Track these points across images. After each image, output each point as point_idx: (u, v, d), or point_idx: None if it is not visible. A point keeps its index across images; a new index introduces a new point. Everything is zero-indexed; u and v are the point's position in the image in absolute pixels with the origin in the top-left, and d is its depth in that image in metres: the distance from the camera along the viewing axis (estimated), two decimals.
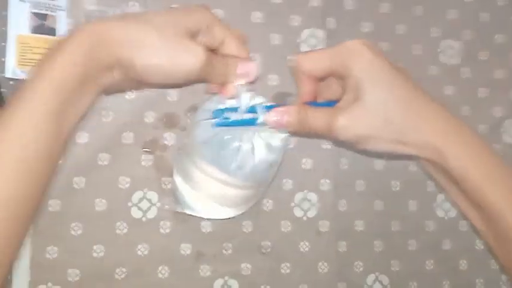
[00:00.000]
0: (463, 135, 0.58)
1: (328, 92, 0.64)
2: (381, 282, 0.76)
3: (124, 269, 0.68)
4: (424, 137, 0.56)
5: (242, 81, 0.62)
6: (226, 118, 0.62)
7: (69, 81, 0.51)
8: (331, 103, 0.61)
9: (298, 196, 0.74)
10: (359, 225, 0.76)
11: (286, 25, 0.74)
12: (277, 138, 0.63)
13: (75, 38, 0.52)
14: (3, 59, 0.64)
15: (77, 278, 0.67)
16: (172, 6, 0.68)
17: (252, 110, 0.62)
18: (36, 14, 0.65)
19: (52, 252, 0.67)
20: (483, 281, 0.79)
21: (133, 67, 0.55)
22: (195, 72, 0.57)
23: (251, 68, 0.62)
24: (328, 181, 0.75)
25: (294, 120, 0.59)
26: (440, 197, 0.78)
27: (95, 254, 0.68)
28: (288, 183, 0.74)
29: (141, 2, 0.69)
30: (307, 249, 0.74)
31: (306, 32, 0.75)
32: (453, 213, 0.79)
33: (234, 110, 0.62)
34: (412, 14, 0.78)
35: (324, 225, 0.74)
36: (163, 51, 0.55)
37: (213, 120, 0.62)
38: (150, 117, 0.70)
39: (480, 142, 0.58)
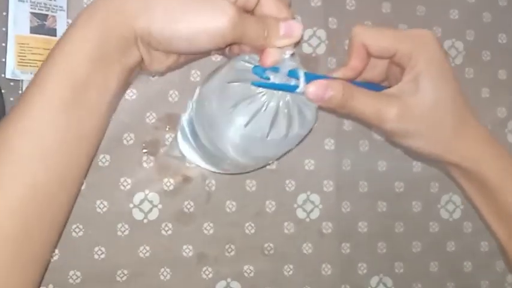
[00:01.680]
0: (500, 149, 0.58)
1: (371, 73, 0.61)
2: (384, 284, 0.76)
3: (125, 271, 0.68)
4: (469, 146, 0.56)
5: (286, 43, 0.54)
6: (267, 78, 0.55)
7: (82, 61, 0.48)
8: (373, 86, 0.58)
9: (301, 197, 0.74)
10: (362, 227, 0.75)
11: None
12: (311, 109, 0.58)
13: (85, 11, 0.49)
14: (3, 60, 0.64)
15: (78, 280, 0.66)
16: None
17: (292, 74, 0.55)
18: (36, 15, 0.65)
19: (53, 254, 0.66)
20: (488, 282, 0.79)
21: (152, 36, 0.49)
22: (225, 34, 0.49)
23: (295, 28, 0.54)
24: (331, 182, 0.74)
25: (337, 97, 0.53)
26: (445, 198, 0.78)
27: (96, 256, 0.67)
28: (290, 185, 0.73)
29: None
30: (310, 251, 0.74)
31: (307, 32, 0.74)
32: (457, 214, 0.78)
33: (275, 69, 0.55)
34: (414, 14, 0.78)
35: (327, 227, 0.74)
36: (183, 12, 0.48)
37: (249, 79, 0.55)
38: (151, 118, 0.69)
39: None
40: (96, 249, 0.67)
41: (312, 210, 0.74)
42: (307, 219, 0.74)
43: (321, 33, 0.74)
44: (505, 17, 0.82)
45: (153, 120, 0.69)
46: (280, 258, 0.73)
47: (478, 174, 0.57)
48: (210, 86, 0.59)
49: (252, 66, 0.55)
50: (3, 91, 0.64)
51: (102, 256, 0.68)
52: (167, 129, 0.69)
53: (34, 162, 0.48)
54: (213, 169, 0.67)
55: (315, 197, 0.74)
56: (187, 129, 0.64)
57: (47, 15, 0.65)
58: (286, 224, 0.73)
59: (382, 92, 0.56)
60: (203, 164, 0.66)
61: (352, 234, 0.75)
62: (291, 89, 0.55)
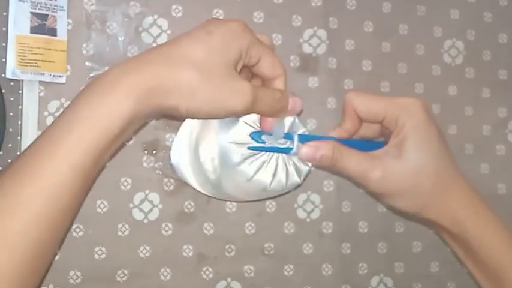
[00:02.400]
0: (483, 210, 0.61)
1: (366, 130, 0.66)
2: (385, 284, 0.76)
3: (126, 271, 0.68)
4: (447, 207, 0.60)
5: (289, 116, 0.63)
6: (263, 141, 0.62)
7: (108, 137, 0.51)
8: (366, 143, 0.63)
9: (301, 197, 0.74)
10: (363, 227, 0.75)
11: (288, 25, 0.74)
12: (305, 164, 0.65)
13: (117, 92, 0.51)
14: (3, 60, 0.64)
15: (78, 280, 0.66)
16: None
17: (288, 136, 0.62)
18: (36, 14, 0.65)
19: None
20: None
21: (179, 112, 0.54)
22: (241, 113, 0.57)
23: (299, 104, 0.62)
24: (331, 182, 0.74)
25: (328, 157, 0.60)
26: None
27: (96, 256, 0.67)
28: None
29: (141, 1, 0.69)
30: (310, 251, 0.74)
31: (308, 32, 0.74)
32: None
33: (270, 134, 0.62)
34: (415, 14, 0.78)
35: (328, 227, 0.74)
36: (207, 97, 0.53)
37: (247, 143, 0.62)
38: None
39: (499, 220, 0.61)
40: (97, 249, 0.67)
41: (312, 210, 0.74)
42: (308, 219, 0.74)
43: (322, 33, 0.74)
44: (506, 16, 0.82)
45: (153, 121, 0.69)
46: (281, 258, 0.73)
47: (459, 232, 0.60)
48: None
49: (250, 132, 0.61)
50: (3, 91, 0.64)
51: (103, 256, 0.68)
52: (167, 129, 0.69)
53: (44, 221, 0.50)
54: (207, 193, 0.67)
55: (315, 197, 0.74)
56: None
57: (47, 15, 0.65)
58: (286, 224, 0.73)
59: (369, 153, 0.61)
60: (197, 187, 0.66)
61: (353, 234, 0.75)
62: (286, 150, 0.62)
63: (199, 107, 0.54)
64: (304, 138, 0.62)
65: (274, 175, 0.63)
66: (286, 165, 0.63)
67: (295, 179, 0.64)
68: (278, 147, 0.62)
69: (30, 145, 0.52)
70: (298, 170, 0.64)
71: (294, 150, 0.62)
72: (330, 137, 0.64)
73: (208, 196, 0.67)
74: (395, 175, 0.59)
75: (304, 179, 0.66)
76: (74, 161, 0.50)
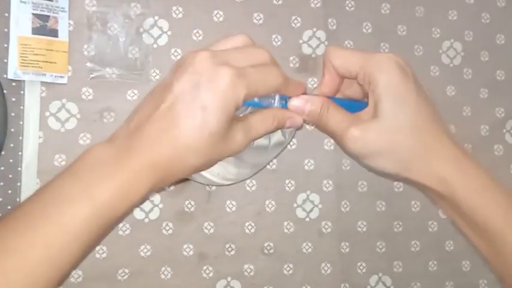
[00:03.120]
0: (471, 168, 0.58)
1: (350, 90, 0.64)
2: (384, 283, 0.76)
3: (127, 270, 0.68)
4: (431, 166, 0.57)
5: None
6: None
7: (117, 213, 0.51)
8: (352, 103, 0.61)
9: (301, 197, 0.74)
10: (362, 226, 0.76)
11: (288, 26, 0.75)
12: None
13: (123, 174, 0.51)
14: (5, 60, 0.64)
15: (80, 279, 0.67)
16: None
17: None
18: (37, 16, 0.65)
19: None
20: (486, 281, 0.79)
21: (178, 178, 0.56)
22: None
23: (298, 120, 0.61)
24: (330, 182, 0.75)
25: (316, 111, 0.59)
26: None
27: (97, 255, 0.68)
28: (290, 184, 0.74)
29: (142, 3, 0.69)
30: (310, 250, 0.74)
31: (307, 33, 0.75)
32: None
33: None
34: (413, 15, 0.79)
35: (327, 226, 0.74)
36: (207, 163, 0.55)
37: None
38: None
39: (488, 175, 0.59)
40: (98, 248, 0.68)
41: (311, 210, 0.74)
42: (307, 219, 0.74)
43: (321, 34, 0.75)
44: (504, 17, 0.82)
45: None
46: (280, 257, 0.73)
47: (446, 192, 0.57)
48: None
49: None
50: (5, 91, 0.64)
51: (104, 255, 0.68)
52: None
53: (50, 272, 0.49)
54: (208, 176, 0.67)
55: (315, 197, 0.74)
56: None
57: (48, 16, 0.66)
58: (286, 223, 0.74)
59: (354, 114, 0.59)
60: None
61: (352, 233, 0.76)
62: (267, 106, 0.59)
63: (199, 170, 0.57)
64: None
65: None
66: None
67: (278, 136, 0.64)
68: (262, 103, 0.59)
69: (33, 198, 0.52)
70: (283, 131, 0.64)
71: (276, 104, 0.59)
72: None
73: (202, 183, 0.67)
74: (372, 135, 0.56)
75: (291, 138, 0.66)
76: (82, 236, 0.50)
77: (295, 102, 0.59)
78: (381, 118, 0.56)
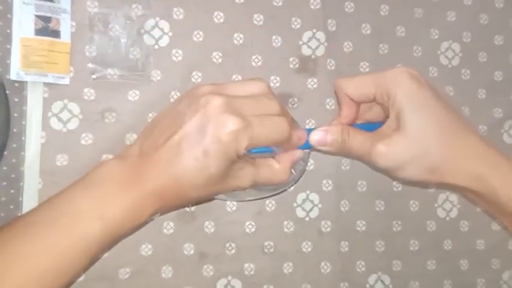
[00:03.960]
0: (504, 162, 0.58)
1: (369, 114, 0.66)
2: (382, 282, 0.76)
3: (128, 269, 0.69)
4: (463, 166, 0.58)
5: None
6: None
7: (123, 231, 0.54)
8: (373, 125, 0.62)
9: (301, 197, 0.75)
10: (361, 226, 0.76)
11: (287, 27, 0.75)
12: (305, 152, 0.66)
13: (114, 174, 0.54)
14: (8, 61, 0.65)
15: (81, 278, 0.67)
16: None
17: None
18: (40, 17, 0.66)
19: None
20: (484, 281, 0.80)
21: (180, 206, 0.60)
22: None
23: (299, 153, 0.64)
24: (330, 182, 0.75)
25: (337, 140, 0.61)
26: (442, 197, 0.79)
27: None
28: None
29: (143, 4, 0.70)
30: (309, 249, 0.74)
31: (307, 34, 0.75)
32: (454, 213, 0.79)
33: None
34: (412, 16, 0.79)
35: (326, 226, 0.75)
36: (207, 195, 0.59)
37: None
38: None
39: None
40: None
41: (311, 209, 0.75)
42: (307, 218, 0.75)
43: (320, 35, 0.75)
44: (502, 18, 0.82)
45: None
46: (280, 256, 0.74)
47: (485, 190, 0.58)
48: None
49: None
50: (7, 92, 0.65)
51: (105, 255, 0.68)
52: None
53: (57, 280, 0.52)
54: None
55: (315, 196, 0.75)
56: None
57: (51, 17, 0.66)
58: (286, 222, 0.74)
59: (374, 132, 0.61)
60: None
61: (351, 232, 0.76)
62: (304, 146, 0.63)
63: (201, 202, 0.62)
64: (309, 131, 0.63)
65: None
66: None
67: (290, 175, 0.65)
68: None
69: (45, 206, 0.55)
70: (293, 167, 0.65)
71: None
72: None
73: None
74: (398, 147, 0.58)
75: (299, 177, 0.67)
76: (90, 250, 0.53)
77: (315, 137, 0.62)
78: (405, 129, 0.57)
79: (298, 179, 0.68)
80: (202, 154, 0.53)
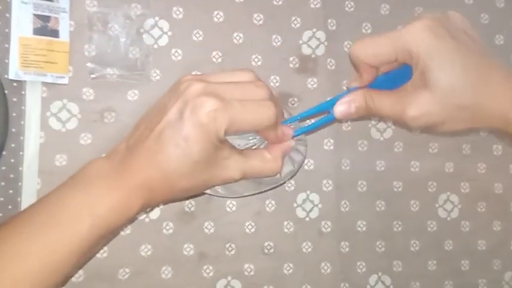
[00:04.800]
0: None
1: (389, 67, 0.62)
2: (383, 282, 0.76)
3: (127, 270, 0.69)
4: (499, 109, 0.56)
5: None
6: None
7: (113, 225, 0.54)
8: (390, 78, 0.60)
9: (301, 197, 0.74)
10: (361, 226, 0.76)
11: (287, 27, 0.75)
12: (301, 143, 0.66)
13: (123, 197, 0.53)
14: (6, 61, 0.65)
15: (81, 279, 0.67)
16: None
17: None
18: (38, 16, 0.65)
19: None
20: (485, 281, 0.79)
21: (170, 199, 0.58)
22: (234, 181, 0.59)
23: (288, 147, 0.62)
24: (330, 182, 0.75)
25: (362, 108, 0.59)
26: (442, 197, 0.78)
27: (98, 255, 0.68)
28: (290, 184, 0.74)
29: (143, 3, 0.69)
30: (309, 249, 0.74)
31: (307, 34, 0.75)
32: (455, 213, 0.79)
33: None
34: (412, 15, 0.79)
35: (327, 226, 0.75)
36: (196, 186, 0.57)
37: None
38: None
39: None
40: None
41: (311, 210, 0.74)
42: (307, 219, 0.74)
43: (320, 34, 0.75)
44: (502, 18, 0.82)
45: None
46: (280, 257, 0.73)
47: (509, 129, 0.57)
48: None
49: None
50: (6, 91, 0.65)
51: (105, 255, 0.68)
52: None
53: (53, 276, 0.52)
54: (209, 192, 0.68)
55: (315, 197, 0.75)
56: None
57: (49, 16, 0.66)
58: (286, 223, 0.74)
59: (399, 91, 0.59)
60: None
61: (351, 233, 0.76)
62: (327, 119, 0.62)
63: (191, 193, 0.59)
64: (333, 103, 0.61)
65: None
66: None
67: (289, 167, 0.65)
68: (319, 121, 0.62)
69: (38, 206, 0.55)
70: (292, 160, 0.65)
71: (332, 113, 0.60)
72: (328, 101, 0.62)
73: (210, 195, 0.67)
74: (430, 108, 0.56)
75: (298, 169, 0.67)
76: (82, 245, 0.52)
77: (340, 109, 0.59)
78: (433, 87, 0.55)
79: (297, 170, 0.67)
80: (183, 140, 0.53)
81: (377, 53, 0.58)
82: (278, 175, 0.63)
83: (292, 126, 0.62)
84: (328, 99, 0.62)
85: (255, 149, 0.62)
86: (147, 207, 0.56)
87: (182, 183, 0.55)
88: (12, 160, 0.65)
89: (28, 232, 0.51)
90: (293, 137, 0.61)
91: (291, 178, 0.70)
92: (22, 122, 0.66)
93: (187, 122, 0.53)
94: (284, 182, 0.70)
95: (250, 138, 0.63)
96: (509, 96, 0.56)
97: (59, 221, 0.52)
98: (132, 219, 0.56)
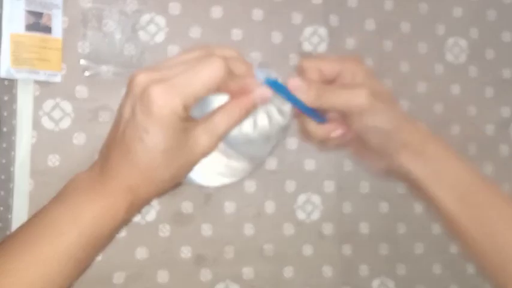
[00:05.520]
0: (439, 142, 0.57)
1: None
2: (386, 286, 0.75)
3: (123, 273, 0.68)
4: (411, 129, 0.56)
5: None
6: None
7: (102, 231, 0.53)
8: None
9: (301, 198, 0.74)
10: (364, 228, 0.75)
11: (288, 23, 0.74)
12: (287, 105, 0.59)
13: (108, 197, 0.53)
14: None
15: (75, 282, 0.66)
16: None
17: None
18: (31, 12, 0.64)
19: None
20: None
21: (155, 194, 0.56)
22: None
23: (265, 95, 0.56)
24: (332, 183, 0.74)
25: (312, 92, 0.57)
26: None
27: None
28: (290, 185, 0.73)
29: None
30: (310, 252, 0.73)
31: (308, 30, 0.74)
32: None
33: None
34: (416, 12, 0.78)
35: (328, 228, 0.74)
36: (176, 173, 0.54)
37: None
38: None
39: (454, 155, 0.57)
40: None
41: (312, 211, 0.74)
42: (307, 220, 0.73)
43: (322, 31, 0.74)
44: (510, 15, 0.81)
45: None
46: (280, 260, 0.73)
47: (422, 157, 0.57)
48: None
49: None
50: None
51: (99, 258, 0.66)
52: None
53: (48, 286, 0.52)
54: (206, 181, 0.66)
55: (316, 198, 0.74)
56: None
57: (42, 13, 0.65)
58: (286, 225, 0.73)
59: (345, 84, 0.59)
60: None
61: (353, 235, 0.75)
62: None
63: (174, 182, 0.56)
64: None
65: (255, 122, 0.58)
66: (266, 109, 0.58)
67: (277, 118, 0.62)
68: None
69: (27, 225, 0.54)
70: (280, 111, 0.62)
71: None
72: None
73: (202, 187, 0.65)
74: (377, 91, 0.56)
75: (290, 120, 0.64)
76: (73, 255, 0.52)
77: (295, 81, 0.57)
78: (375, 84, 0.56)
79: (281, 139, 0.63)
80: (144, 133, 0.51)
81: (323, 65, 0.58)
82: (267, 127, 0.60)
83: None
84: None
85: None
86: (135, 208, 0.55)
87: (161, 175, 0.53)
88: (4, 160, 0.65)
89: (21, 250, 0.52)
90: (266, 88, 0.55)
91: (284, 132, 0.66)
92: (14, 122, 0.65)
93: (141, 115, 0.51)
94: (279, 140, 0.67)
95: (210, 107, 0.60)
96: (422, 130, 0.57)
97: (47, 234, 0.53)
98: (123, 222, 0.56)
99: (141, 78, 0.52)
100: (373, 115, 0.57)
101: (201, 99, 0.52)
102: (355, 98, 0.57)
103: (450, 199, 0.56)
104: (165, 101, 0.50)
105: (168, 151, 0.51)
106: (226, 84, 0.53)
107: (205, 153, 0.54)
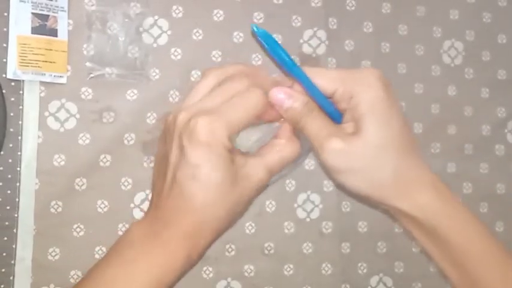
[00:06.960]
0: (450, 197, 0.55)
1: None
2: (384, 283, 0.76)
3: None
4: (412, 191, 0.54)
5: None
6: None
7: (164, 283, 0.52)
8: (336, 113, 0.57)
9: (301, 197, 0.74)
10: (362, 226, 0.75)
11: (288, 26, 0.74)
12: None
13: (172, 247, 0.52)
14: (4, 60, 0.64)
15: (79, 280, 0.66)
16: None
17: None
18: (37, 15, 0.65)
19: (54, 253, 0.66)
20: None
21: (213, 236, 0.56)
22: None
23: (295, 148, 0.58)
24: (331, 182, 0.75)
25: (297, 109, 0.54)
26: None
27: (97, 256, 0.67)
28: (291, 184, 0.73)
29: (142, 2, 0.69)
30: (310, 250, 0.74)
31: (307, 33, 0.74)
32: None
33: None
34: (414, 15, 0.78)
35: (327, 227, 0.74)
36: (232, 210, 0.54)
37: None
38: (151, 118, 0.69)
39: (464, 205, 0.55)
40: (97, 249, 0.67)
41: (312, 210, 0.74)
42: (308, 219, 0.74)
43: (321, 33, 0.75)
44: (505, 17, 0.82)
45: (154, 121, 0.69)
46: (281, 258, 0.73)
47: (425, 221, 0.54)
48: None
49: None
50: (4, 91, 0.64)
51: (102, 255, 0.68)
52: None
53: None
54: None
55: (315, 197, 0.74)
56: None
57: (48, 15, 0.66)
58: (286, 223, 0.73)
59: (338, 125, 0.56)
60: None
61: (352, 233, 0.75)
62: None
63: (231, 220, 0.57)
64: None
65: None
66: None
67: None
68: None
69: (84, 282, 0.54)
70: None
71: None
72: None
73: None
74: (356, 150, 0.52)
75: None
76: None
77: (276, 94, 0.54)
78: (366, 134, 0.52)
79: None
80: (195, 169, 0.51)
81: (326, 81, 0.55)
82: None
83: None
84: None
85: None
86: (195, 255, 0.54)
87: (216, 212, 0.53)
88: (10, 160, 0.65)
89: None
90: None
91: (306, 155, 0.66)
92: (20, 122, 0.66)
93: (190, 151, 0.51)
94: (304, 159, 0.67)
95: (252, 138, 0.60)
96: (432, 188, 0.54)
97: None
98: (182, 271, 0.54)
99: (184, 115, 0.52)
100: (343, 173, 0.55)
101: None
102: (325, 144, 0.54)
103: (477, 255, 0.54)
104: (213, 131, 0.50)
105: (221, 184, 0.51)
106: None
107: (260, 188, 0.54)
